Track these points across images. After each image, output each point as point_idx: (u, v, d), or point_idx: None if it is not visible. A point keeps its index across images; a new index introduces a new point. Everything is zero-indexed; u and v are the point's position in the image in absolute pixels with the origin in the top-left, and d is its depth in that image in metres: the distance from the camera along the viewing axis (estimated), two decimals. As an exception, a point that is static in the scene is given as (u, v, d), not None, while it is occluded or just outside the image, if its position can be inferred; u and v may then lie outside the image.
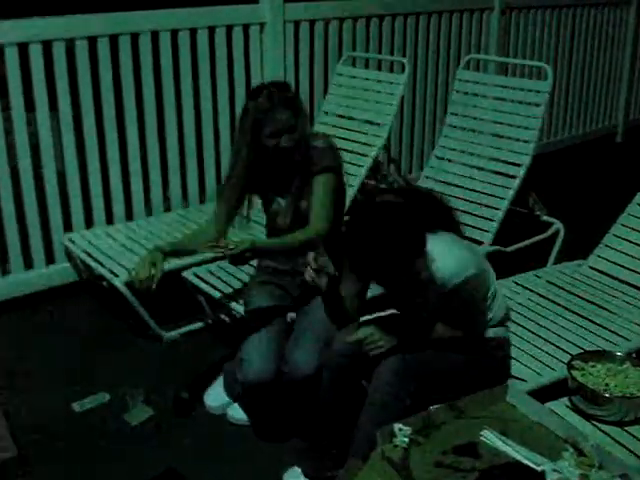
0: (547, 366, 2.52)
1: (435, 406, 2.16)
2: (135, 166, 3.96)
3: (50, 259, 3.78)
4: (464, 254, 2.22)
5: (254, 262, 2.97)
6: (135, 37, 3.78)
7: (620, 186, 5.20)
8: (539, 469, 1.95)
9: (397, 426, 2.07)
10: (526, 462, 1.98)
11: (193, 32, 3.97)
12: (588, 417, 2.19)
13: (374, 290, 2.48)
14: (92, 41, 3.64)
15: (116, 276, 3.23)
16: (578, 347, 2.62)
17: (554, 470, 1.94)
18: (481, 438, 2.08)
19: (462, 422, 2.15)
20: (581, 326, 2.77)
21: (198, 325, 3.46)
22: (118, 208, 3.94)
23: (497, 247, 3.55)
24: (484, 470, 1.97)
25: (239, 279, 3.22)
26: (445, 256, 2.15)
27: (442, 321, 2.29)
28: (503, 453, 2.02)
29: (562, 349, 2.61)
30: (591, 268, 3.23)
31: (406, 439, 2.05)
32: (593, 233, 3.40)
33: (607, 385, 2.20)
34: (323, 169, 2.61)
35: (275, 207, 2.74)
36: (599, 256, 3.26)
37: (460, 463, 2.00)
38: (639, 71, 6.76)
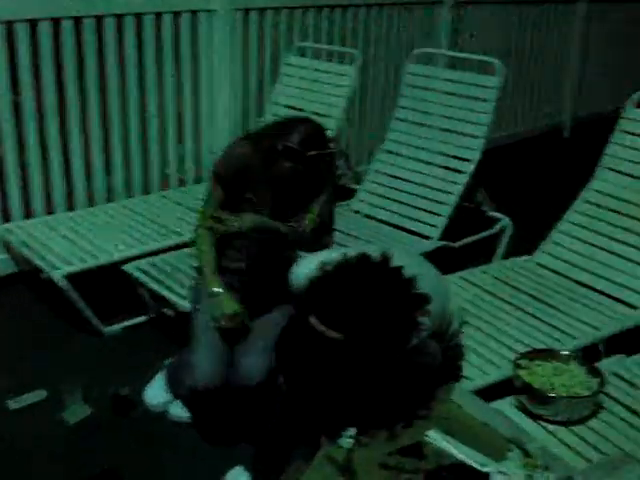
0: (493, 364, 2.50)
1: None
2: (77, 154, 3.84)
3: (-14, 250, 3.65)
4: None
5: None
6: (78, 21, 3.65)
7: (567, 182, 5.23)
8: (484, 470, 1.93)
9: (341, 427, 2.02)
10: (472, 463, 1.96)
11: (139, 18, 3.86)
12: (534, 417, 2.18)
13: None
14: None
15: (55, 268, 3.12)
16: (524, 345, 2.61)
17: (499, 471, 1.92)
18: (426, 438, 2.05)
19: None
20: (527, 323, 2.76)
21: (140, 319, 3.36)
22: (58, 197, 3.82)
23: (445, 242, 3.53)
24: (430, 471, 1.94)
25: (184, 272, 3.14)
26: None
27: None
28: (448, 454, 1.99)
29: (508, 346, 2.60)
30: (537, 264, 3.23)
31: (350, 440, 2.01)
32: (540, 229, 3.41)
33: (553, 384, 2.19)
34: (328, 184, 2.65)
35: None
36: (545, 252, 3.27)
37: (405, 464, 1.97)
38: (587, 67, 6.82)
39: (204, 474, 2.49)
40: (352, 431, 2.03)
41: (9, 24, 3.45)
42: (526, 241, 3.48)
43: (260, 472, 2.41)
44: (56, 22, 3.57)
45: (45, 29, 3.54)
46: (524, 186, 5.30)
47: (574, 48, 6.60)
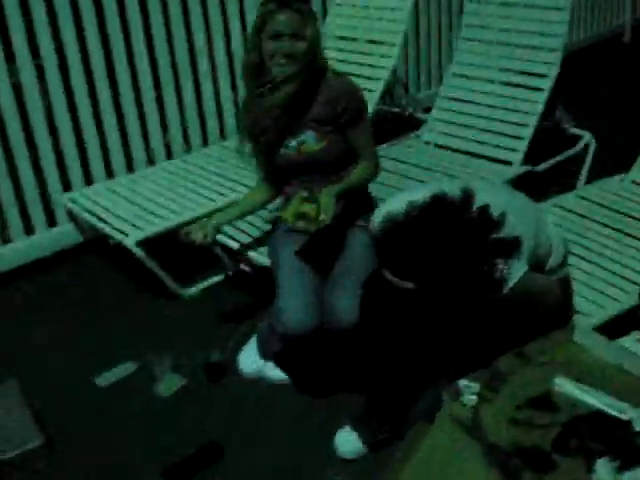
0: (609, 297, 2.31)
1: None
2: (131, 113, 3.67)
3: (51, 222, 3.53)
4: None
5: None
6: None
7: (638, 90, 4.95)
8: (626, 417, 1.76)
9: (463, 383, 1.87)
10: (610, 411, 1.79)
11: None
12: (666, 351, 2.00)
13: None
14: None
15: (125, 235, 2.99)
16: (637, 272, 2.41)
17: (643, 417, 1.75)
18: (555, 387, 1.88)
19: (531, 370, 1.96)
20: (636, 248, 2.55)
21: (218, 278, 3.24)
22: (117, 160, 3.67)
23: (527, 167, 3.31)
24: (566, 424, 1.78)
25: (257, 227, 2.99)
26: None
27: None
28: (582, 402, 1.83)
29: (622, 276, 2.40)
30: (634, 182, 3.00)
31: (474, 397, 1.86)
32: (624, 144, 3.18)
33: (687, 316, 2.00)
34: (356, 116, 2.45)
35: (286, 152, 2.50)
36: (641, 168, 3.03)
37: (537, 418, 1.81)
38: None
39: (311, 437, 2.38)
40: (475, 387, 1.88)
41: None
42: (611, 157, 3.25)
43: (369, 433, 2.29)
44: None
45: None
46: (595, 98, 4.98)
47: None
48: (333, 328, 2.30)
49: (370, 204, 2.61)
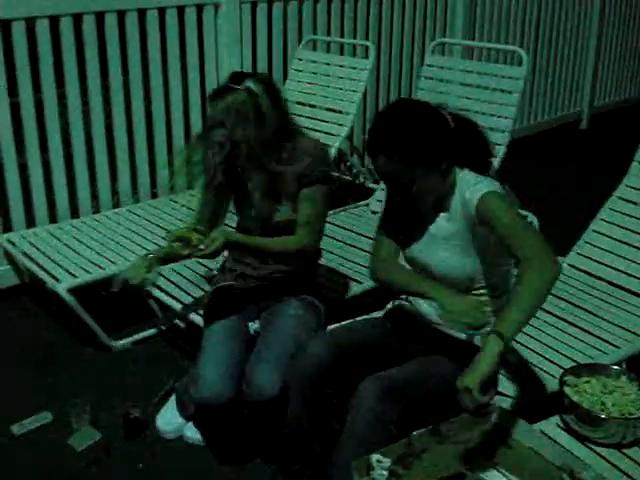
0: (534, 380, 2.30)
1: (415, 432, 1.95)
2: (80, 158, 3.66)
3: (-11, 262, 3.48)
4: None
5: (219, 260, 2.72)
6: (78, 18, 3.47)
7: (590, 176, 5.06)
8: (534, 503, 1.74)
9: (375, 457, 1.84)
10: (520, 496, 1.77)
11: (142, 13, 3.67)
12: (582, 439, 1.99)
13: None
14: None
15: (58, 281, 2.94)
16: (564, 356, 2.42)
17: (551, 505, 1.73)
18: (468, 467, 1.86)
19: (445, 448, 1.94)
20: (566, 332, 2.57)
21: (151, 332, 3.19)
22: (62, 205, 3.64)
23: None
24: (474, 506, 1.75)
25: (196, 284, 2.95)
26: (474, 175, 2.13)
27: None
28: (493, 485, 1.81)
29: (547, 359, 2.40)
30: (571, 267, 3.03)
31: (385, 472, 1.83)
32: (568, 227, 3.22)
33: (603, 404, 2.00)
34: (314, 180, 2.36)
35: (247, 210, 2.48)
36: (579, 253, 3.06)
37: (447, 498, 1.78)
38: (604, 56, 6.60)
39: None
40: (387, 462, 1.85)
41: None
42: (554, 241, 3.27)
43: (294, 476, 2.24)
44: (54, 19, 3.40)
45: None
46: (546, 181, 5.09)
47: (591, 37, 6.31)
48: (252, 400, 2.26)
49: (314, 286, 2.62)
